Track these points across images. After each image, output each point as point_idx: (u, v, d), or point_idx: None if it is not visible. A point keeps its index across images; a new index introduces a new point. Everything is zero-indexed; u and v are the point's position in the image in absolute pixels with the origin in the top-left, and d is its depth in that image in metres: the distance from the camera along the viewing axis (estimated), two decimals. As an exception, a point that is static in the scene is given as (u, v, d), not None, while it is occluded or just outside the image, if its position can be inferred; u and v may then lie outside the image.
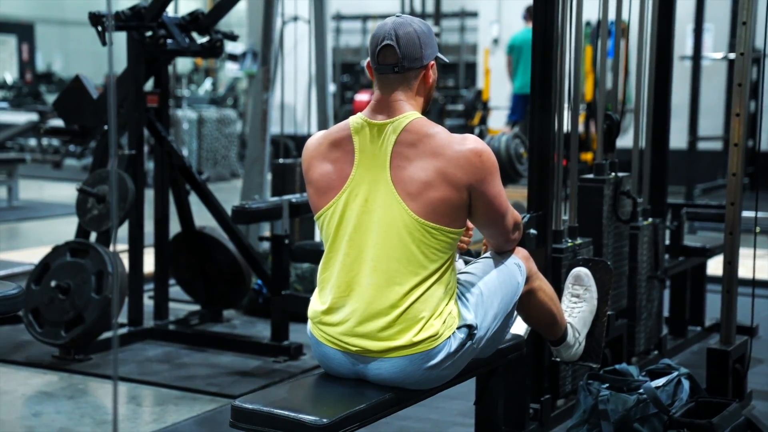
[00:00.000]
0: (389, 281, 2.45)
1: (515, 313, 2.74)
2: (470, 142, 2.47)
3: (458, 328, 2.51)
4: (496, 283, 2.63)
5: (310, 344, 2.63)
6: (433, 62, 2.56)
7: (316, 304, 2.58)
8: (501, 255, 2.73)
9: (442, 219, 2.46)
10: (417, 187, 2.44)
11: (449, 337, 2.49)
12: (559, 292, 3.17)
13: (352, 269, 2.49)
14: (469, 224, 2.74)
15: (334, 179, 2.51)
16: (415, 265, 2.45)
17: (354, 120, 2.54)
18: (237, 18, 13.30)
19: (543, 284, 2.81)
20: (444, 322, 2.48)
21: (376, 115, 2.52)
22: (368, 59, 2.56)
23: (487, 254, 2.74)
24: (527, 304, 2.77)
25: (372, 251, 2.47)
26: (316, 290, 2.60)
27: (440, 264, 2.48)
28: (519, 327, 2.94)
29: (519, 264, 2.71)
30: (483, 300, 2.59)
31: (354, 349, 2.49)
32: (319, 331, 2.56)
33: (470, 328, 2.53)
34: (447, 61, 2.70)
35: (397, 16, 2.54)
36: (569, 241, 3.45)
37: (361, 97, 11.61)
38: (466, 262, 2.78)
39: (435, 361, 2.48)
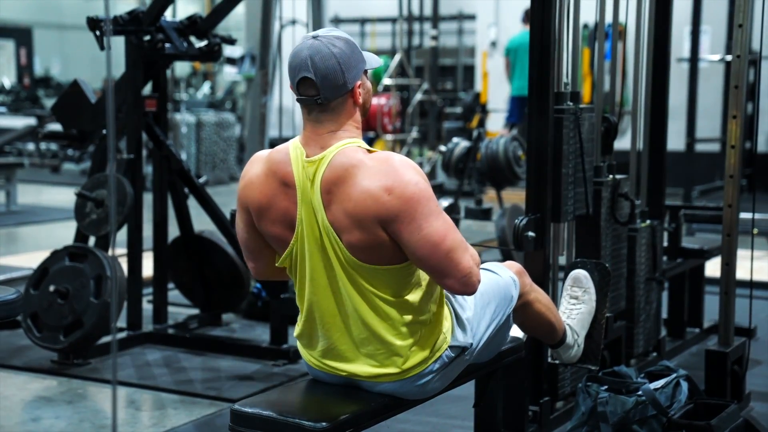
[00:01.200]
0: (361, 314, 2.39)
1: (511, 323, 2.74)
2: (382, 176, 2.26)
3: (450, 347, 2.49)
4: (491, 294, 2.62)
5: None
6: (360, 81, 2.37)
7: (299, 327, 2.52)
8: (498, 266, 2.71)
9: (372, 258, 2.32)
10: (340, 229, 2.32)
11: (440, 356, 2.47)
12: (561, 152, 3.15)
13: (321, 304, 2.42)
14: None
15: (291, 216, 2.38)
16: (377, 297, 2.37)
17: (293, 151, 2.38)
18: (235, 21, 13.30)
19: (539, 296, 2.80)
20: (434, 345, 2.45)
21: (310, 147, 2.36)
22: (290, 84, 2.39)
23: (485, 264, 2.71)
24: (524, 316, 2.78)
25: (334, 287, 2.39)
26: (299, 315, 2.53)
27: (403, 294, 2.38)
28: (518, 329, 2.95)
29: (514, 278, 2.70)
30: (477, 312, 2.58)
31: (344, 373, 2.48)
32: (308, 356, 2.54)
33: (463, 350, 2.51)
34: (379, 63, 2.47)
35: (314, 38, 2.34)
36: (570, 103, 3.44)
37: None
38: None
39: (426, 379, 2.47)
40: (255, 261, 2.56)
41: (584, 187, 3.51)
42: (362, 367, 2.44)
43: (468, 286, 2.37)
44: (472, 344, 2.53)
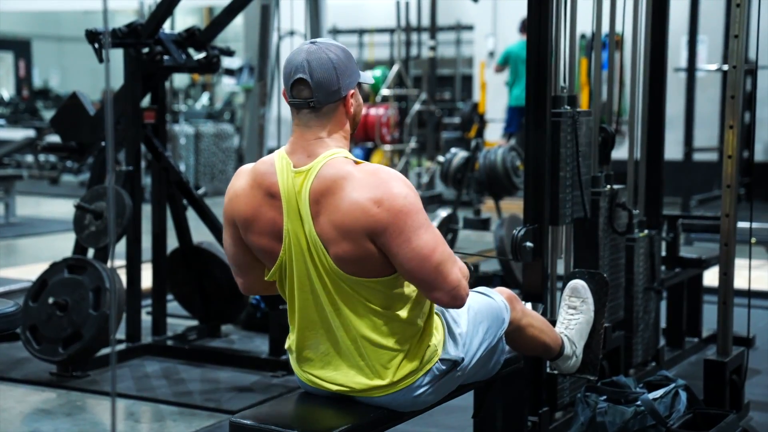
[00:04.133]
0: (349, 325, 2.39)
1: (505, 347, 2.73)
2: (371, 188, 2.26)
3: (441, 360, 2.48)
4: (483, 313, 2.62)
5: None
6: (353, 90, 2.38)
7: (290, 338, 2.53)
8: (490, 291, 2.71)
9: (359, 271, 2.32)
10: (326, 240, 2.31)
11: (430, 369, 2.47)
12: (558, 155, 3.15)
13: (312, 313, 2.42)
14: None
15: (278, 228, 2.37)
16: (365, 308, 2.37)
17: (278, 162, 2.37)
18: (234, 33, 13.33)
19: (532, 320, 2.80)
20: (424, 356, 2.45)
21: (297, 155, 2.35)
22: (283, 87, 2.39)
23: (477, 288, 2.72)
24: (519, 341, 2.78)
25: (324, 297, 2.38)
26: (291, 327, 2.53)
27: (392, 306, 2.38)
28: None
29: (505, 303, 2.70)
30: (470, 329, 2.58)
31: (334, 388, 2.48)
32: (299, 370, 2.54)
33: (455, 363, 2.51)
34: (370, 81, 2.48)
35: (312, 43, 2.35)
36: (568, 107, 3.44)
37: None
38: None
39: (419, 392, 2.47)
40: (244, 276, 2.55)
41: (581, 190, 3.52)
42: (352, 380, 2.44)
43: (456, 299, 2.37)
44: (463, 359, 2.53)
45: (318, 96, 2.32)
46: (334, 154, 2.33)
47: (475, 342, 2.58)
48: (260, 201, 2.38)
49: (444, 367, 2.49)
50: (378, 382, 2.43)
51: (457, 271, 2.37)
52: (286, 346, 2.56)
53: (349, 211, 2.26)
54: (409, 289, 2.41)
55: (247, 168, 2.45)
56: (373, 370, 2.42)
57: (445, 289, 2.34)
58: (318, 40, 2.39)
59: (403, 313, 2.40)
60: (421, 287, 2.37)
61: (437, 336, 2.50)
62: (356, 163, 2.34)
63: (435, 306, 2.53)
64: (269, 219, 2.38)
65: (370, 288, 2.35)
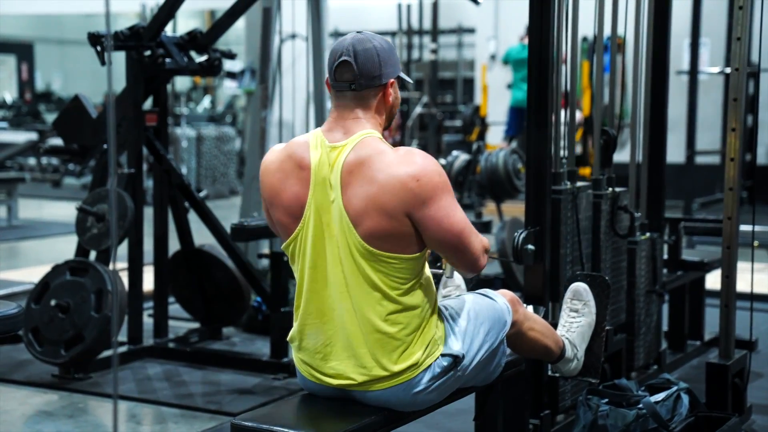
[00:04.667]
0: (360, 307, 2.41)
1: (506, 350, 2.73)
2: (409, 164, 2.34)
3: (442, 356, 2.49)
4: (485, 315, 2.63)
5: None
6: (393, 81, 2.47)
7: (295, 330, 2.55)
8: (492, 293, 2.72)
9: (388, 246, 2.37)
10: (356, 215, 2.36)
11: (431, 364, 2.47)
12: (558, 234, 3.17)
13: (322, 296, 2.45)
14: None
15: (301, 202, 2.42)
16: (378, 291, 2.40)
17: (313, 138, 2.45)
18: (235, 36, 13.34)
19: (533, 324, 2.80)
20: (425, 349, 2.46)
21: (333, 133, 2.43)
22: (327, 76, 2.49)
23: (480, 291, 2.73)
24: (520, 344, 2.78)
25: (337, 278, 2.41)
26: (294, 319, 2.55)
27: (408, 288, 2.42)
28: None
29: (507, 305, 2.70)
30: (470, 328, 2.58)
31: (335, 382, 2.48)
32: (300, 363, 2.55)
33: (455, 358, 2.51)
34: (410, 81, 2.62)
35: (358, 32, 2.46)
36: (568, 183, 3.45)
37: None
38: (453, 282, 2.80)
39: (419, 388, 2.47)
40: None
41: (581, 265, 3.51)
42: (352, 371, 2.44)
43: (477, 267, 2.54)
44: (464, 356, 2.54)
45: (360, 79, 2.41)
46: (370, 134, 2.41)
47: (476, 343, 2.58)
48: (289, 173, 2.45)
49: (445, 363, 2.49)
50: (378, 372, 2.43)
51: (479, 242, 2.51)
52: (288, 337, 2.58)
53: (388, 185, 2.33)
54: (424, 275, 2.48)
55: (280, 145, 2.54)
56: (374, 360, 2.43)
57: (471, 259, 2.50)
58: (364, 30, 2.49)
59: (412, 300, 2.44)
60: (449, 256, 2.51)
61: (439, 332, 2.51)
62: (389, 146, 2.42)
63: (438, 301, 2.56)
64: (294, 193, 2.44)
65: (392, 266, 2.39)
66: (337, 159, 2.39)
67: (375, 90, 2.44)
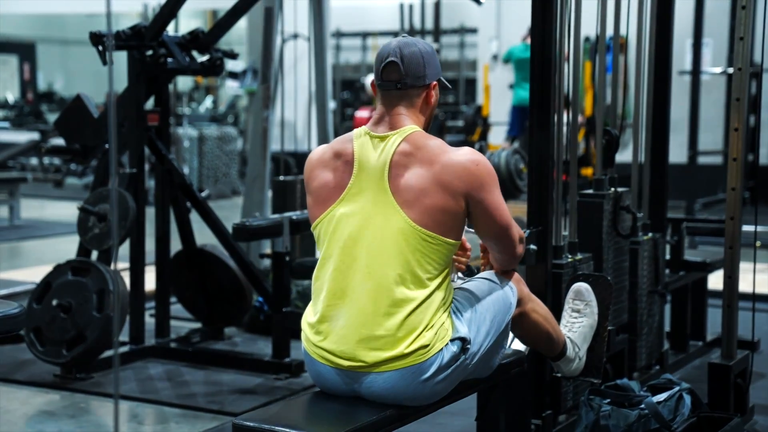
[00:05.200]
0: (384, 289, 2.47)
1: (510, 334, 2.75)
2: (467, 152, 2.51)
3: (451, 341, 2.52)
4: (490, 300, 2.65)
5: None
6: (435, 83, 2.61)
7: (309, 315, 2.60)
8: (496, 276, 2.74)
9: (438, 227, 2.48)
10: (413, 194, 2.47)
11: (441, 349, 2.49)
12: (560, 309, 3.18)
13: (346, 276, 2.51)
14: (467, 244, 2.76)
15: (333, 188, 2.56)
16: (411, 274, 2.47)
17: (357, 132, 2.59)
18: (237, 36, 13.34)
19: (536, 306, 2.82)
20: (436, 333, 2.49)
21: (378, 127, 2.57)
22: (372, 78, 2.62)
23: (483, 274, 2.75)
24: (522, 325, 2.79)
25: (367, 259, 2.49)
26: (310, 303, 2.62)
27: (435, 274, 2.50)
28: (519, 343, 2.95)
29: (511, 286, 2.73)
30: (476, 315, 2.60)
31: (346, 364, 2.49)
32: (312, 346, 2.57)
33: (463, 342, 2.53)
34: (449, 86, 2.75)
35: (404, 36, 2.61)
36: (569, 256, 3.45)
37: (362, 113, 11.65)
38: (463, 280, 2.79)
39: (427, 375, 2.48)
40: None
41: None
42: (365, 353, 2.47)
43: (516, 260, 2.70)
44: (471, 341, 2.55)
45: (406, 79, 2.54)
46: (417, 129, 2.55)
47: (483, 330, 2.60)
48: (326, 163, 2.58)
49: (454, 348, 2.51)
50: (390, 353, 2.45)
51: (518, 233, 2.66)
52: (302, 321, 2.62)
53: (450, 166, 2.47)
54: (445, 267, 2.54)
55: (324, 145, 2.68)
56: (388, 340, 2.45)
57: (513, 248, 2.65)
58: (408, 35, 2.63)
59: (437, 286, 2.50)
60: (496, 243, 2.64)
61: (448, 320, 2.54)
62: None
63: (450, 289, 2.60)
64: (324, 180, 2.57)
65: (433, 248, 2.47)
66: (386, 146, 2.51)
67: (419, 90, 2.57)
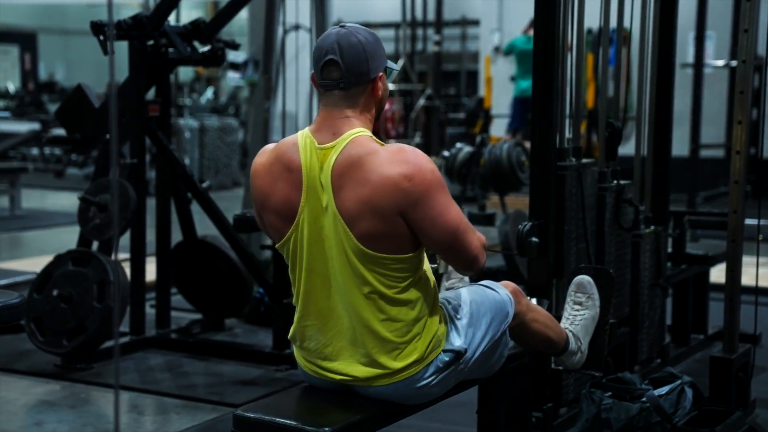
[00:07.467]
0: (359, 308, 2.39)
1: (509, 341, 2.72)
2: (400, 164, 2.30)
3: (444, 351, 2.48)
4: (486, 306, 2.61)
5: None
6: (381, 74, 2.42)
7: (294, 331, 2.54)
8: (493, 283, 2.71)
9: (383, 247, 2.34)
10: (351, 216, 2.33)
11: (434, 360, 2.46)
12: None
13: (318, 298, 2.43)
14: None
15: (292, 204, 2.39)
16: (375, 292, 2.37)
17: (301, 140, 2.40)
18: (238, 27, 13.31)
19: (536, 315, 2.78)
20: (428, 344, 2.44)
21: (322, 133, 2.38)
22: (312, 71, 2.44)
23: (482, 282, 2.71)
24: (523, 336, 2.76)
25: (333, 279, 2.40)
26: (294, 319, 2.54)
27: (404, 286, 2.40)
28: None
29: (509, 296, 2.68)
30: (471, 320, 2.56)
31: (338, 378, 2.47)
32: (302, 360, 2.54)
33: (458, 354, 2.50)
34: (397, 69, 2.57)
35: (341, 26, 2.40)
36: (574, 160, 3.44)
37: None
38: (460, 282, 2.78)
39: (423, 383, 2.46)
40: None
41: (585, 243, 3.49)
42: (355, 368, 2.43)
43: (475, 265, 2.49)
44: (466, 350, 2.52)
45: (348, 77, 2.36)
46: (360, 133, 2.37)
47: (479, 335, 2.57)
48: (278, 176, 2.40)
49: (447, 359, 2.48)
50: (380, 370, 2.42)
51: (477, 239, 2.48)
52: (289, 336, 2.56)
53: (380, 186, 2.30)
54: (422, 271, 2.44)
55: (269, 146, 2.49)
56: (376, 359, 2.41)
57: (468, 257, 2.46)
58: (347, 23, 2.43)
59: (411, 299, 2.41)
60: (446, 255, 2.49)
61: (441, 328, 2.50)
62: (379, 144, 2.37)
63: (438, 297, 2.54)
64: (283, 196, 2.40)
65: (388, 266, 2.36)
66: (326, 161, 2.34)
67: (363, 86, 2.39)
